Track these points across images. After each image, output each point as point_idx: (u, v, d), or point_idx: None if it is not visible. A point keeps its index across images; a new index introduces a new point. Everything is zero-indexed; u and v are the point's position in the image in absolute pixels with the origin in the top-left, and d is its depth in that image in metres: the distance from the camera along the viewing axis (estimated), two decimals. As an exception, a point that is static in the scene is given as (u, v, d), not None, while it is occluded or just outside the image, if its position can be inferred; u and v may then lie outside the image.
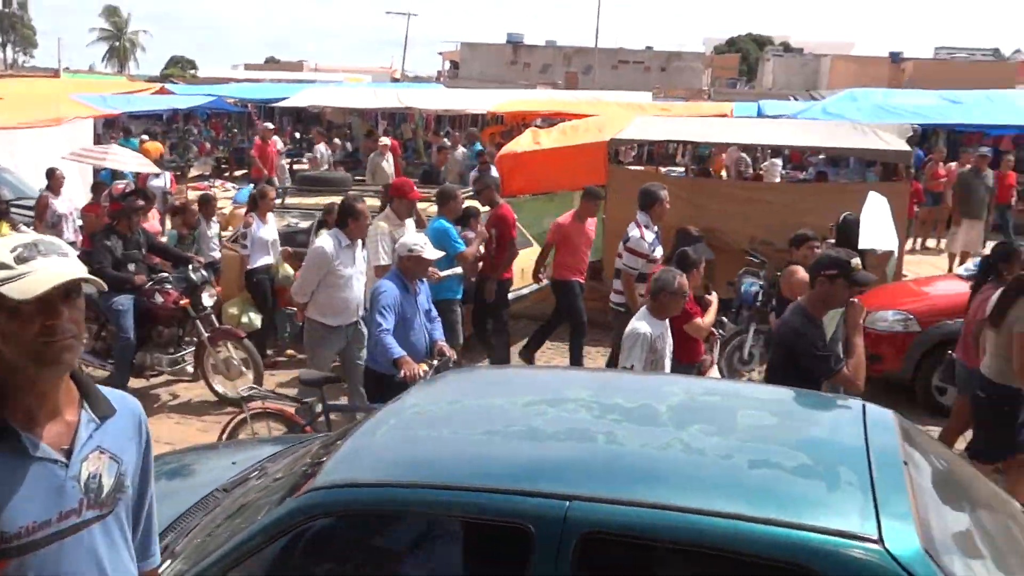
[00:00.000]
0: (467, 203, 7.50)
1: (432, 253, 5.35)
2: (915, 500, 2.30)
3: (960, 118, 17.39)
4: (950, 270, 11.43)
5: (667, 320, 4.92)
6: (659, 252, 6.83)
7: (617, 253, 6.94)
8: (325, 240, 6.04)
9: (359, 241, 6.12)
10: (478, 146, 15.64)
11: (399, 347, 4.93)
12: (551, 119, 14.87)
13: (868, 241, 6.84)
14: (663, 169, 15.77)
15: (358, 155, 19.34)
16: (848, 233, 6.34)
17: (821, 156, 16.02)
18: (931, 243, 14.47)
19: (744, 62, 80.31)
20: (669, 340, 4.93)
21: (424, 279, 5.51)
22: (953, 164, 14.06)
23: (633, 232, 6.78)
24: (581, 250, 7.64)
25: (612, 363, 7.19)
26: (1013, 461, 5.03)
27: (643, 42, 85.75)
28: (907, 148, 9.15)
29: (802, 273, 5.68)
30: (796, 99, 24.94)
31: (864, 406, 2.94)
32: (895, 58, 63.57)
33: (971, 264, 8.79)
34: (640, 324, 4.75)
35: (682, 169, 15.91)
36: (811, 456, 2.58)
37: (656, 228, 6.93)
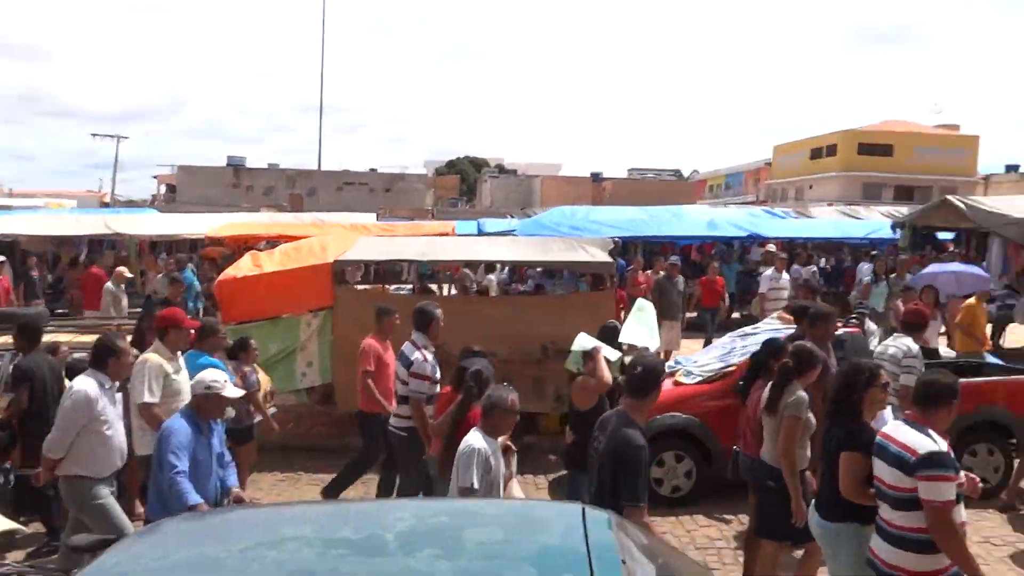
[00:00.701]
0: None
1: (233, 391, 5.01)
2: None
3: (653, 230, 19.54)
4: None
5: (499, 439, 4.80)
6: (438, 373, 6.75)
7: (400, 380, 6.69)
8: (85, 383, 5.40)
9: (117, 382, 5.64)
10: (188, 272, 14.85)
11: (196, 493, 4.51)
12: (275, 241, 14.60)
13: (628, 337, 7.41)
14: (391, 287, 16.01)
15: (60, 285, 17.66)
16: (606, 339, 6.75)
17: (538, 269, 17.09)
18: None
19: (464, 182, 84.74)
20: (502, 460, 4.77)
21: (217, 420, 5.11)
22: (649, 271, 15.55)
23: (415, 356, 6.60)
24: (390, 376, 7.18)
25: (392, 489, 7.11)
26: (810, 545, 5.19)
27: (367, 164, 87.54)
28: (610, 260, 10.02)
29: (591, 382, 6.00)
30: (512, 216, 26.59)
31: (584, 510, 3.06)
32: (596, 178, 70.50)
33: (672, 362, 9.67)
34: (475, 439, 4.60)
35: (409, 287, 16.20)
36: (537, 567, 2.61)
37: (433, 348, 6.81)
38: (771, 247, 17.28)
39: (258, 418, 7.34)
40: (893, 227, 16.69)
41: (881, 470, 4.02)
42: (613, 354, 6.25)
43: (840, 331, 7.52)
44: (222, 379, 4.98)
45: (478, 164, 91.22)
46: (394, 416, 6.84)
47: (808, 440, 5.33)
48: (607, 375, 5.97)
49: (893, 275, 14.22)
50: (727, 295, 15.53)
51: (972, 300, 10.96)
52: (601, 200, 54.14)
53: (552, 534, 2.96)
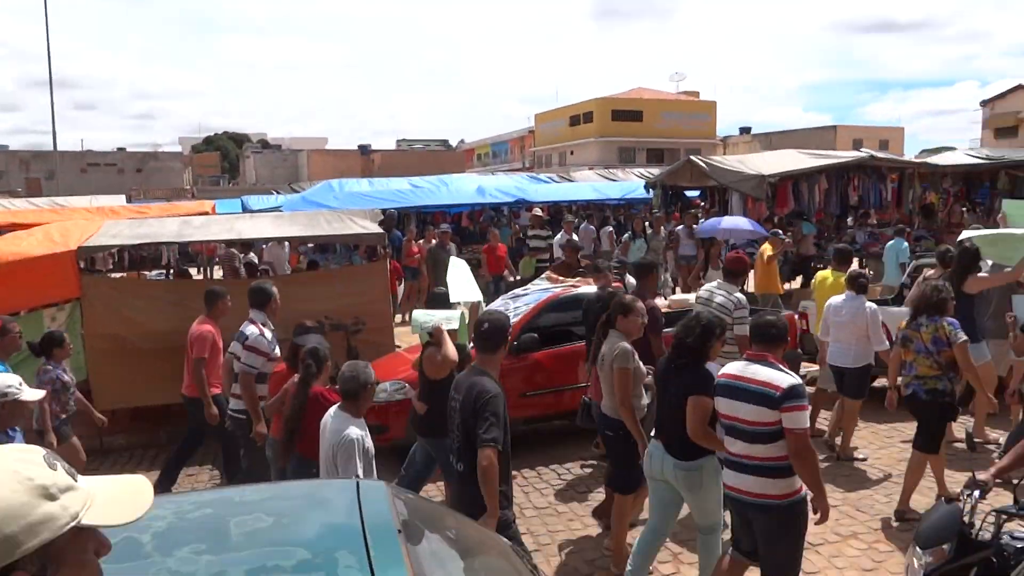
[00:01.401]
0: None
1: (32, 394, 4.33)
2: (411, 564, 2.36)
3: (424, 200, 19.58)
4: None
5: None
6: (278, 351, 6.41)
7: (235, 355, 6.37)
8: None
9: None
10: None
11: None
12: (4, 230, 13.05)
13: (457, 296, 7.37)
14: (148, 274, 14.90)
15: None
16: (439, 305, 6.80)
17: (310, 245, 16.58)
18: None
19: (225, 159, 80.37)
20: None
21: (17, 428, 4.48)
22: (421, 241, 15.58)
23: (250, 329, 6.33)
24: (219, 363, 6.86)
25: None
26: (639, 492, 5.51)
27: (113, 143, 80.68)
28: (380, 231, 9.88)
29: (438, 357, 5.83)
30: (279, 192, 25.59)
31: (358, 484, 2.98)
32: (364, 150, 69.53)
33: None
34: (350, 430, 4.29)
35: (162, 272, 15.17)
36: (310, 549, 2.50)
37: (272, 326, 6.54)
38: (537, 211, 17.84)
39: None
40: (646, 187, 17.79)
41: (739, 409, 4.20)
42: (454, 320, 6.17)
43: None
44: (16, 382, 4.37)
45: (238, 140, 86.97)
46: (232, 399, 6.55)
47: (643, 387, 5.49)
48: (452, 351, 5.84)
49: (651, 230, 15.22)
50: (509, 261, 15.88)
51: (767, 247, 11.99)
52: (371, 172, 53.53)
53: (328, 511, 2.86)
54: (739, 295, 7.04)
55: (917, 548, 3.75)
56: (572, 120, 61.93)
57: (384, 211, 14.92)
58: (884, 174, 16.49)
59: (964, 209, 17.65)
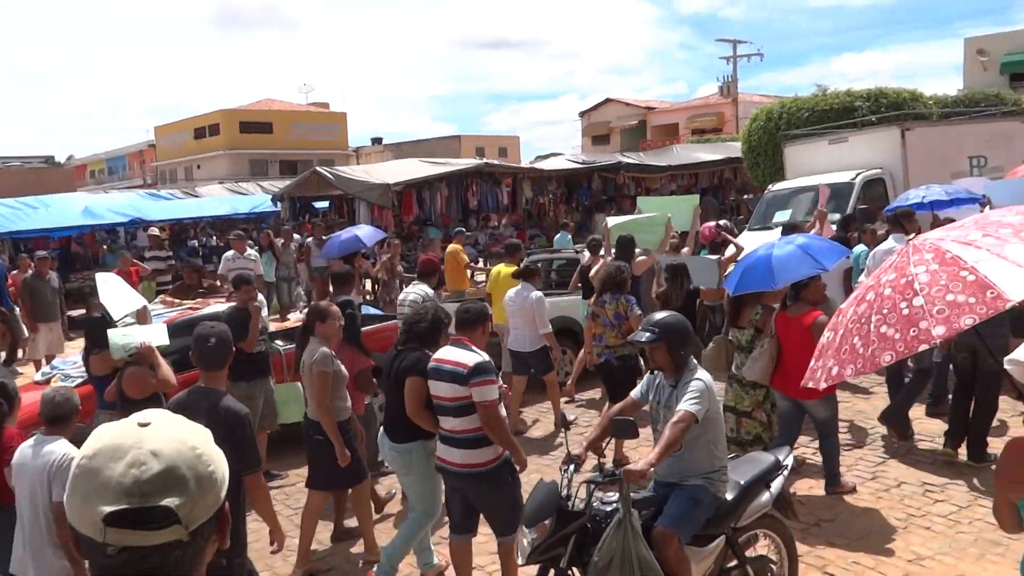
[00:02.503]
0: None
1: None
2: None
3: (19, 225, 17.21)
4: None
5: None
6: None
7: None
8: None
9: None
10: None
11: None
12: None
13: (119, 311, 6.43)
14: None
15: None
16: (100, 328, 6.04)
17: None
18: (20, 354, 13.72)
19: None
20: None
21: None
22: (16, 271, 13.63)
23: None
24: None
25: None
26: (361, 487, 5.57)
27: None
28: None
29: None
30: None
31: None
32: (-57, 170, 59.60)
33: (48, 367, 8.62)
34: (67, 447, 3.98)
35: None
36: None
37: None
38: (154, 230, 16.55)
39: None
40: (273, 200, 17.35)
41: (440, 388, 4.61)
42: (162, 335, 5.79)
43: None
44: None
45: None
46: None
47: (345, 389, 5.60)
48: (169, 371, 5.54)
49: (281, 242, 14.82)
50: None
51: (454, 246, 12.55)
52: (-45, 196, 45.95)
53: None
54: (428, 290, 7.78)
55: (523, 528, 4.00)
56: (197, 132, 58.60)
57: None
58: (499, 179, 17.81)
59: (567, 208, 19.62)
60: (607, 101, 53.75)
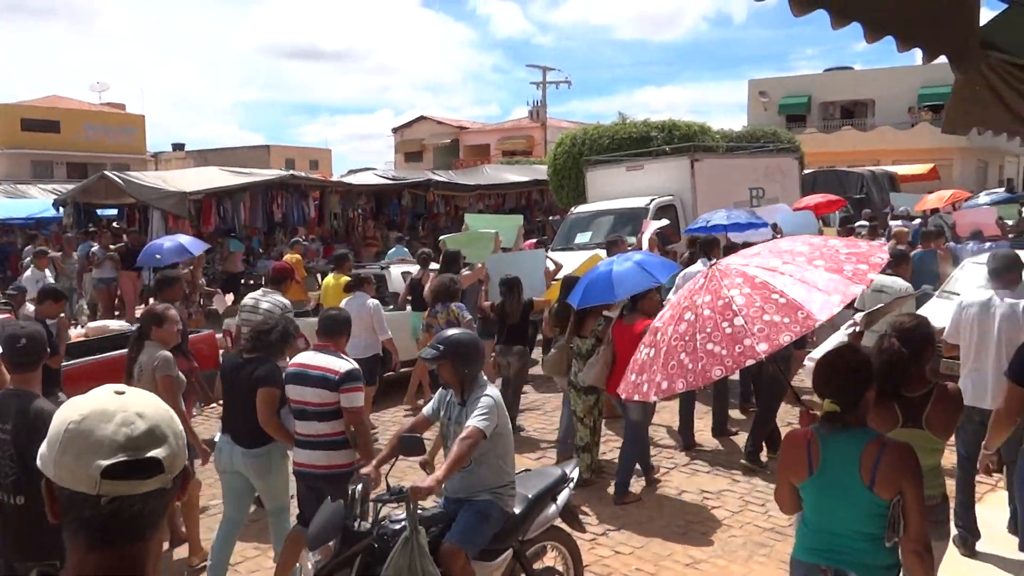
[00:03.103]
0: None
1: None
2: None
3: None
4: None
5: None
6: None
7: None
8: None
9: None
10: None
11: None
12: None
13: None
14: None
15: None
16: None
17: None
18: None
19: None
20: None
21: None
22: None
23: None
24: None
25: None
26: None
27: None
28: None
29: None
30: None
31: None
32: None
33: None
34: None
35: None
36: None
37: None
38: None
39: None
40: (55, 205, 16.00)
41: (304, 393, 4.68)
42: None
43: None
44: None
45: None
46: None
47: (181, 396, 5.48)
48: None
49: (61, 253, 13.67)
50: None
51: (294, 255, 12.55)
52: None
53: None
54: (284, 300, 7.75)
55: (307, 552, 3.88)
56: (-31, 128, 53.13)
57: None
58: (306, 192, 17.36)
59: (375, 223, 19.45)
60: (421, 118, 54.02)
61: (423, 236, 19.47)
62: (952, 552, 4.66)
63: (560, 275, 8.94)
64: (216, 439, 5.21)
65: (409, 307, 9.73)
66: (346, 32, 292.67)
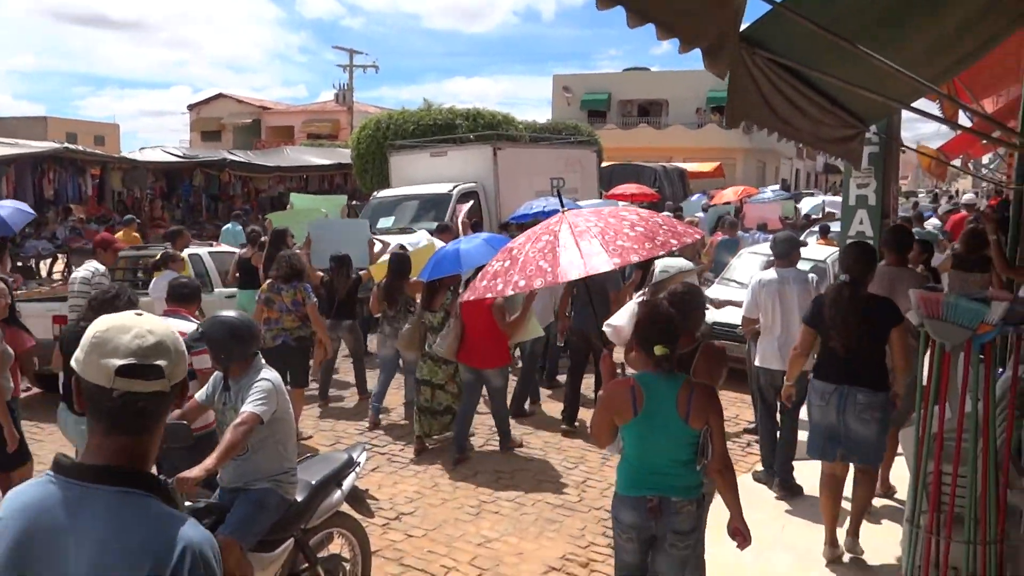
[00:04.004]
0: None
1: None
2: None
3: None
4: None
5: None
6: None
7: None
8: None
9: None
10: None
11: None
12: None
13: None
14: None
15: None
16: None
17: None
18: None
19: None
20: None
21: None
22: None
23: None
24: None
25: None
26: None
27: None
28: None
29: None
30: None
31: None
32: None
33: None
34: None
35: None
36: None
37: None
38: None
39: None
40: None
41: None
42: None
43: None
44: None
45: None
46: None
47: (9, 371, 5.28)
48: None
49: None
50: None
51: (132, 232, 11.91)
52: None
53: None
54: (101, 266, 7.63)
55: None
56: None
57: None
58: (84, 168, 15.94)
59: (164, 204, 18.25)
60: (219, 96, 51.37)
61: (219, 218, 18.46)
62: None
63: (386, 256, 8.91)
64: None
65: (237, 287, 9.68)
66: (138, 1, 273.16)
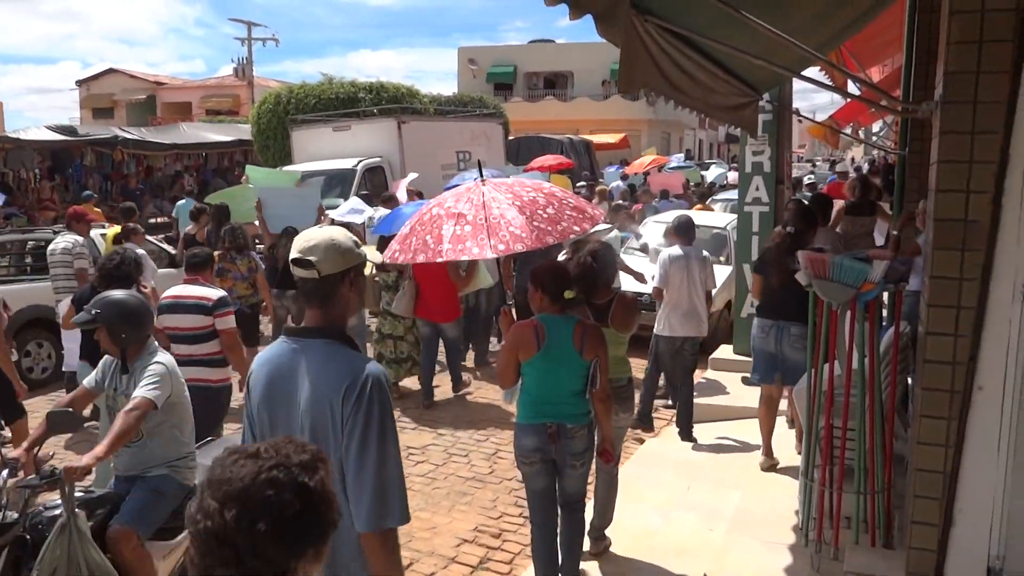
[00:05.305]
0: None
1: None
2: None
3: None
4: None
5: None
6: None
7: None
8: None
9: None
10: None
11: None
12: None
13: None
14: None
15: None
16: None
17: None
18: None
19: None
20: None
21: None
22: None
23: None
24: None
25: None
26: None
27: None
28: None
29: None
30: None
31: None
32: None
33: None
34: None
35: None
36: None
37: None
38: None
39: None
40: None
41: (179, 320, 5.22)
42: None
43: None
44: None
45: None
46: None
47: None
48: None
49: None
50: None
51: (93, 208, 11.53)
52: None
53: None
54: (79, 238, 7.90)
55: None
56: None
57: None
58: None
59: (52, 185, 17.37)
60: (111, 71, 48.98)
61: (112, 199, 17.67)
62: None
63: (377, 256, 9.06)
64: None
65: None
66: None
